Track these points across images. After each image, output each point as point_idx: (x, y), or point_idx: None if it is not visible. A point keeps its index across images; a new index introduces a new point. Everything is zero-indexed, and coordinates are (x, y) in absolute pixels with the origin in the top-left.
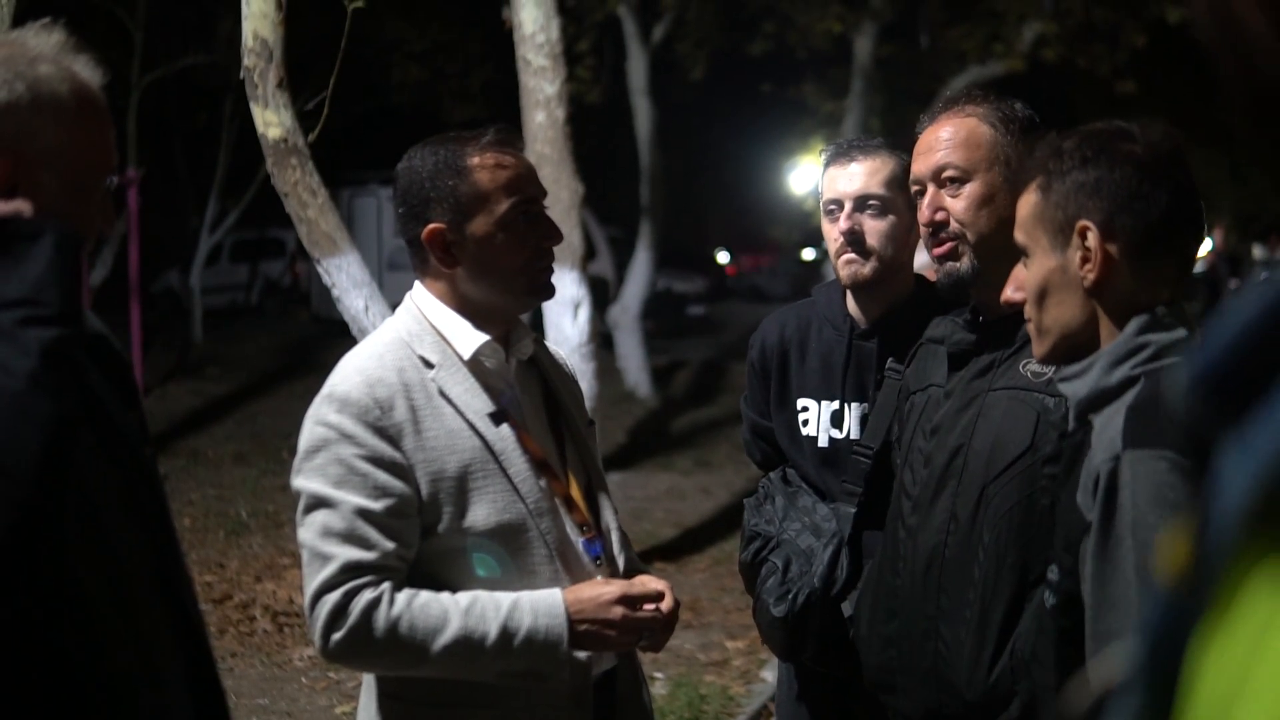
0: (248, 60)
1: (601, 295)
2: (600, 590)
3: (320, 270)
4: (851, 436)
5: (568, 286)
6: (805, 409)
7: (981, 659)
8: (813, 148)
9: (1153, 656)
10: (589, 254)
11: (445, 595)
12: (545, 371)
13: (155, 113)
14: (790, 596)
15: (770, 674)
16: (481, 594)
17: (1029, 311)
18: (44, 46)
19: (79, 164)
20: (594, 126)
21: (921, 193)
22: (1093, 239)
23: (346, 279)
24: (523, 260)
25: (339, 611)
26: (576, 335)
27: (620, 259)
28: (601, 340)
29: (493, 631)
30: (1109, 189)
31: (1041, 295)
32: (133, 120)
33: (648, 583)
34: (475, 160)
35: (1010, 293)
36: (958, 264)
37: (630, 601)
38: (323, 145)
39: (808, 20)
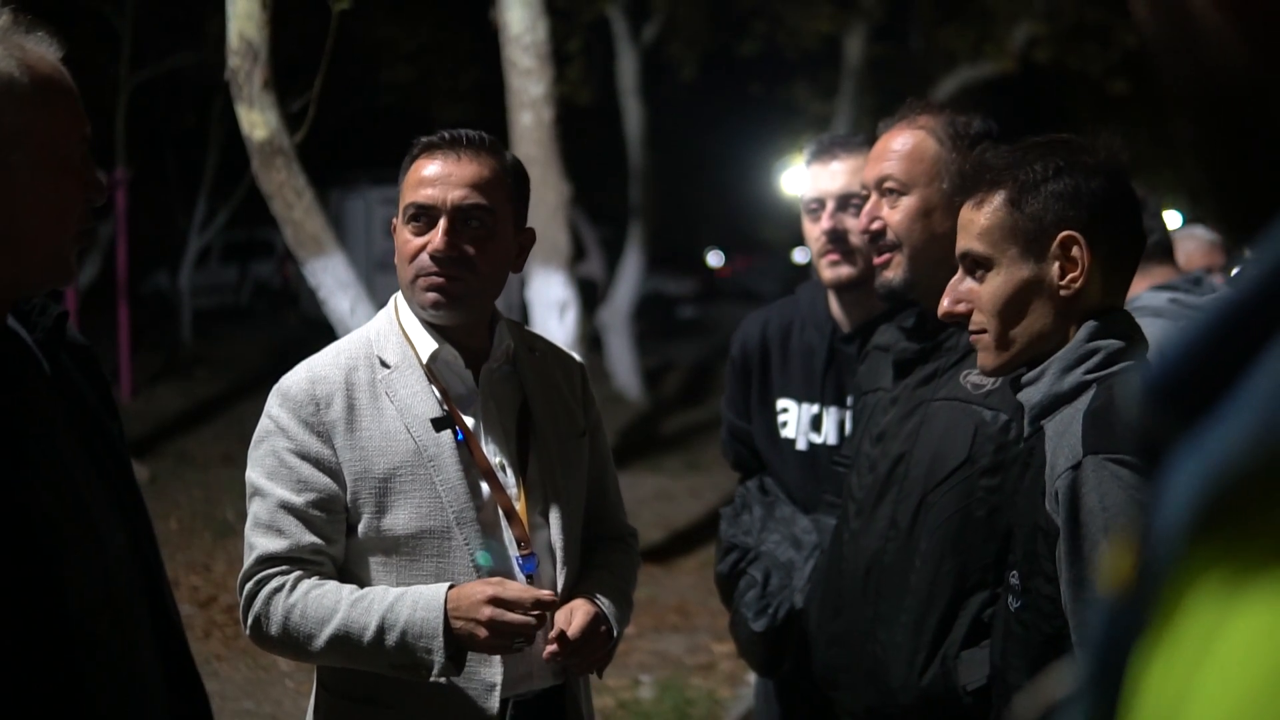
0: (233, 61)
1: (592, 296)
2: (476, 589)
3: (306, 272)
4: (829, 442)
5: (555, 288)
6: (785, 410)
7: (915, 662)
8: (803, 148)
9: (1099, 668)
10: (579, 255)
11: (346, 586)
12: (524, 380)
13: (143, 113)
14: (770, 611)
15: (754, 677)
16: (377, 588)
17: (985, 322)
18: None
19: (47, 139)
20: (584, 127)
21: (868, 197)
22: (1078, 250)
23: (332, 280)
24: (406, 266)
25: (250, 599)
26: (563, 337)
27: (611, 260)
28: (591, 342)
29: (373, 623)
30: (1087, 199)
31: (1009, 306)
32: (121, 120)
33: (575, 607)
34: (417, 157)
35: (950, 305)
36: (891, 274)
37: (502, 603)
38: (312, 145)
39: (798, 20)
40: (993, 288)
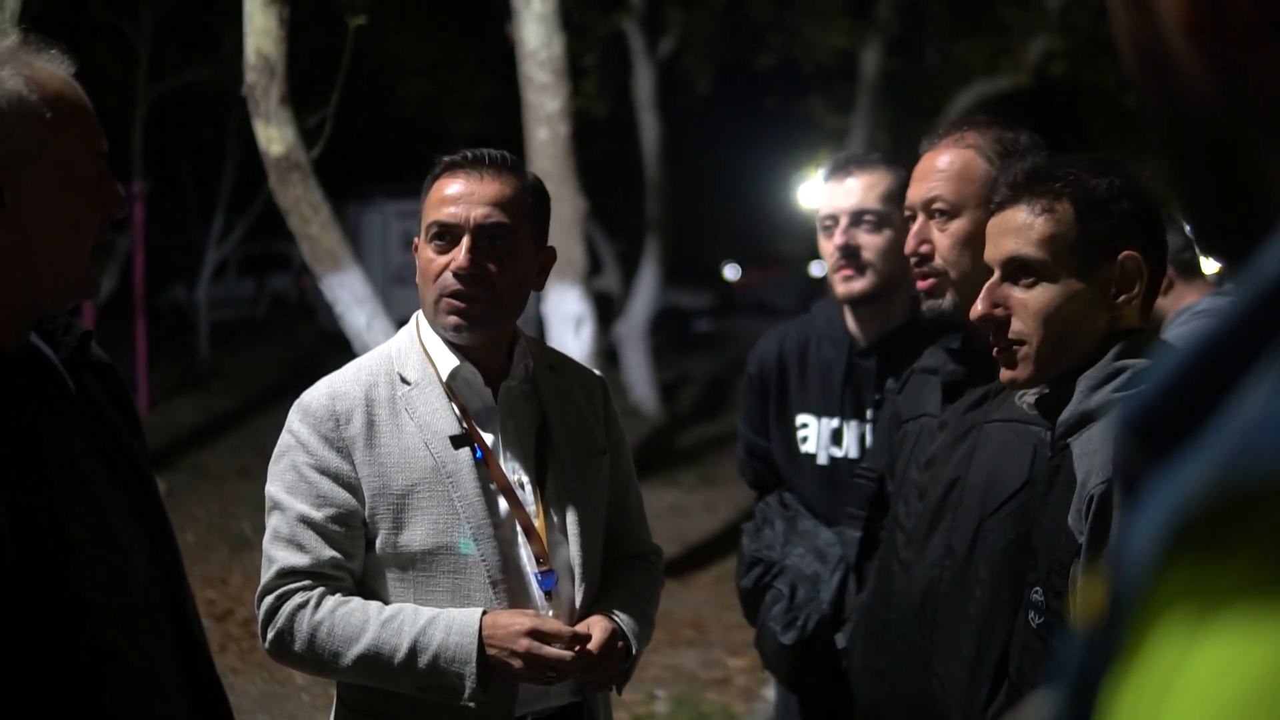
0: (250, 77)
1: (608, 310)
2: (515, 619)
3: (323, 286)
4: (850, 456)
5: (570, 303)
6: (804, 425)
7: (977, 696)
8: (819, 162)
9: (1071, 698)
10: (594, 268)
11: (373, 605)
12: (543, 398)
13: (160, 126)
14: (799, 624)
15: (772, 692)
16: (408, 606)
17: (1028, 332)
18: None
19: (61, 157)
20: (600, 141)
21: (913, 218)
22: (1137, 270)
23: (349, 295)
24: (429, 285)
25: (271, 613)
26: (579, 351)
27: (628, 274)
28: (607, 355)
29: (404, 645)
30: (1145, 222)
31: (1058, 317)
32: (138, 134)
33: (592, 623)
34: (439, 175)
35: (987, 309)
36: (940, 301)
37: (541, 636)
38: (328, 160)
39: (814, 35)
40: (1046, 298)
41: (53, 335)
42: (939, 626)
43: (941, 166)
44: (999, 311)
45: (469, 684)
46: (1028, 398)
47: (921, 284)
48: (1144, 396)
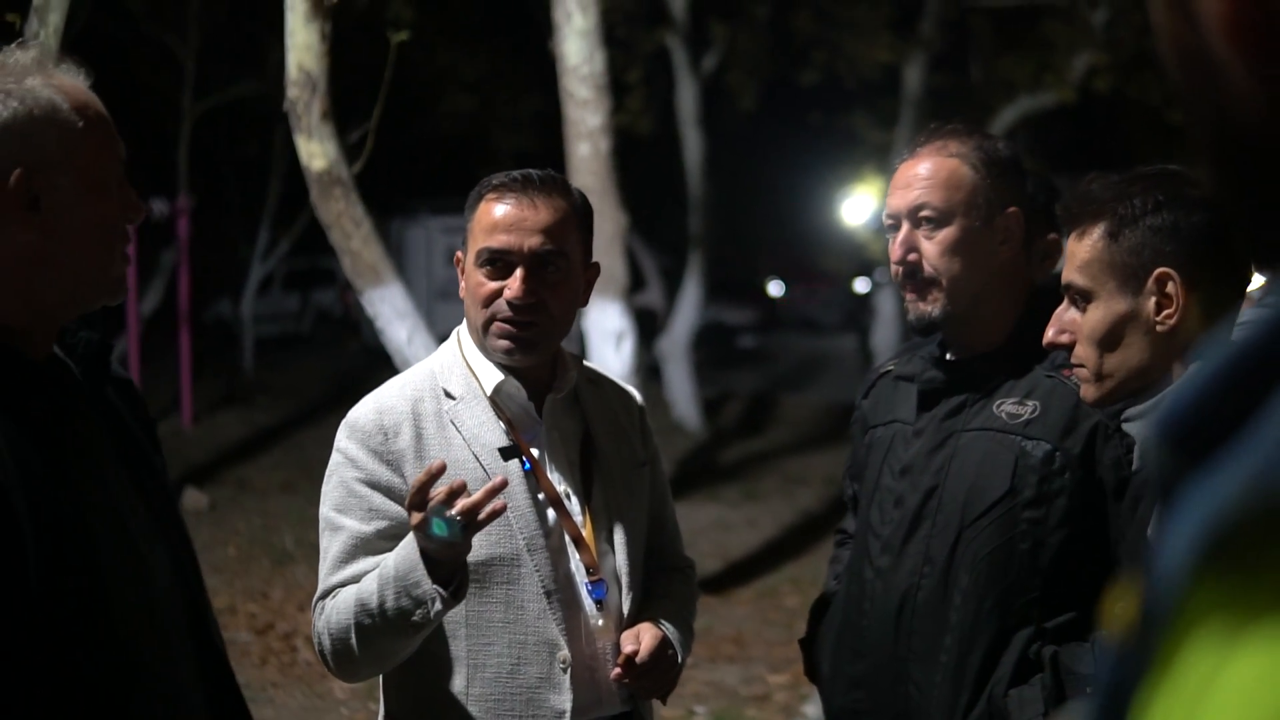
0: (292, 92)
1: (651, 326)
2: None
3: (364, 301)
4: None
5: (611, 318)
6: None
7: (958, 704)
8: (863, 177)
9: (1104, 712)
10: (638, 284)
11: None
12: (586, 410)
13: (206, 141)
14: None
15: (812, 709)
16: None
17: (1085, 355)
18: (24, 60)
19: (88, 162)
20: (644, 156)
21: (896, 228)
22: (1173, 286)
23: (390, 310)
24: (479, 309)
25: (314, 628)
26: (620, 367)
27: (671, 289)
28: (650, 371)
29: (375, 586)
30: (1186, 235)
31: (1106, 340)
32: (184, 149)
33: (642, 631)
34: (486, 196)
35: (1054, 335)
36: (929, 307)
37: (414, 505)
38: (371, 175)
39: (857, 50)
40: (1091, 320)
41: (73, 349)
42: (917, 634)
43: (925, 174)
44: (1065, 338)
45: (425, 587)
46: (1007, 407)
47: (911, 293)
48: (1178, 404)
